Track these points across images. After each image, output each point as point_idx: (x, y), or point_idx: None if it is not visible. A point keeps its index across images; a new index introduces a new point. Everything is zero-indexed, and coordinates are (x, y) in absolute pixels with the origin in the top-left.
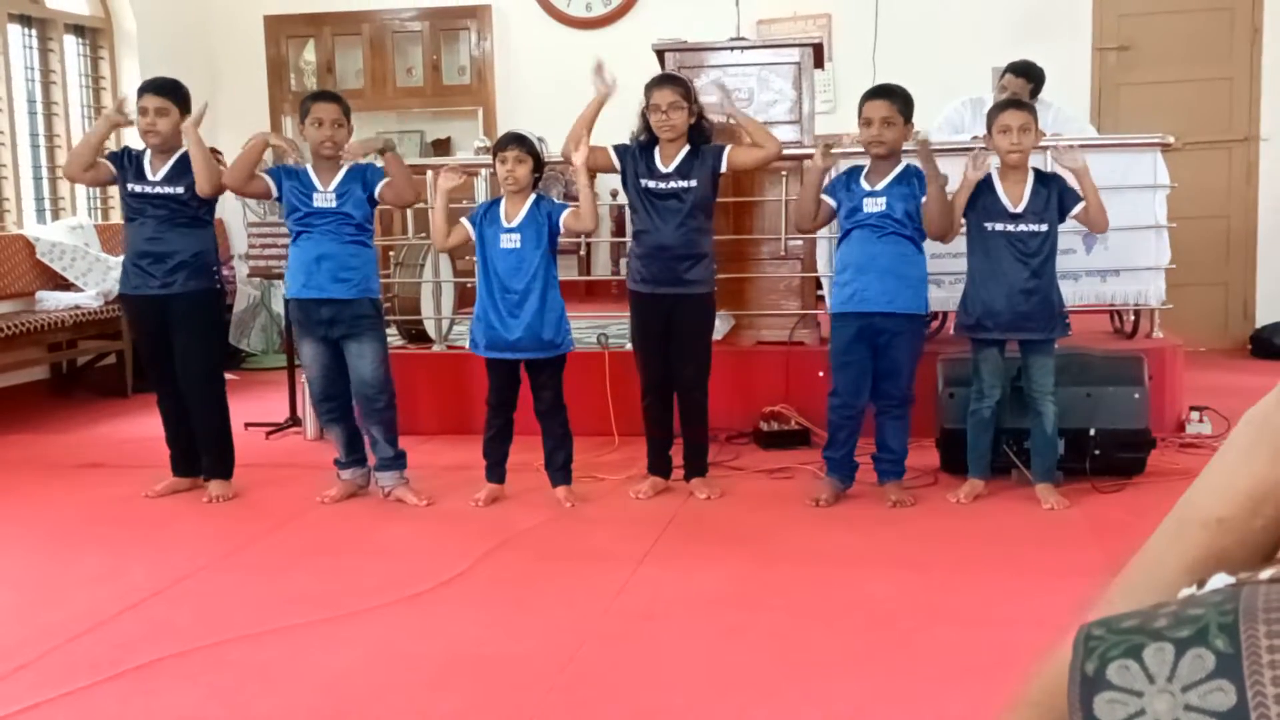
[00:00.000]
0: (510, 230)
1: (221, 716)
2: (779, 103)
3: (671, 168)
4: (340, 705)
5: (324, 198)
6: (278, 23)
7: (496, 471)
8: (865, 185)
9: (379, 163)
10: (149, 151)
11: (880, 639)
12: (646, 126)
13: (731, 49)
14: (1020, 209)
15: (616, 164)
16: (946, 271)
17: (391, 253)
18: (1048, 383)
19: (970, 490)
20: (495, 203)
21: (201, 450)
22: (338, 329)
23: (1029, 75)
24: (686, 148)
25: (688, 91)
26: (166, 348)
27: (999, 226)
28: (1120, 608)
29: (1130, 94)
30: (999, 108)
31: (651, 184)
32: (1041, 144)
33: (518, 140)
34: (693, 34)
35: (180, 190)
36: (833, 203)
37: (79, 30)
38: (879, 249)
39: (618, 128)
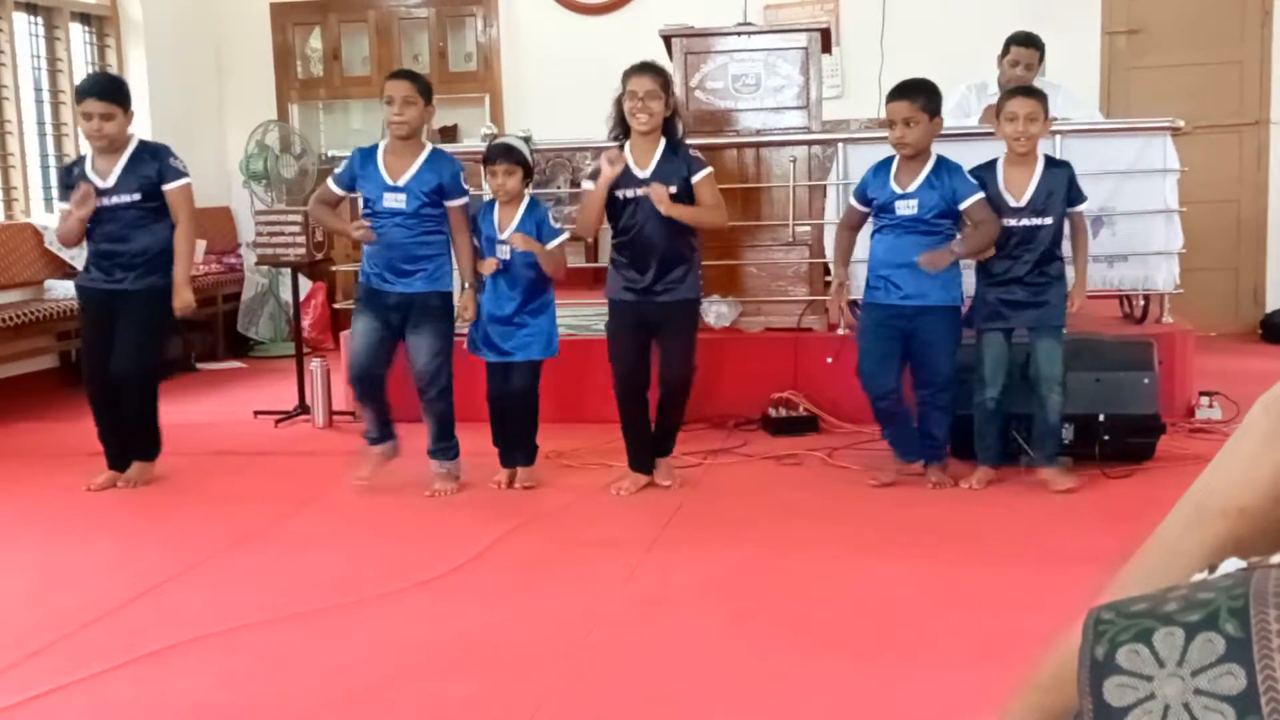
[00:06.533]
0: (503, 241)
1: (233, 702)
2: (786, 88)
3: (648, 171)
4: (353, 691)
5: (394, 198)
6: (284, 10)
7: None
8: (896, 187)
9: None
10: (92, 155)
11: (890, 624)
12: (620, 116)
13: (738, 34)
14: (1023, 203)
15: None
16: None
17: None
18: (1055, 371)
19: (981, 477)
20: (490, 207)
21: (129, 433)
22: (401, 316)
23: (1033, 43)
24: (662, 145)
25: (667, 82)
26: (109, 343)
27: (1003, 221)
28: (1134, 594)
29: (1140, 78)
30: (1008, 95)
31: (629, 192)
32: (1050, 130)
33: (505, 152)
34: (700, 19)
35: (135, 197)
36: (865, 209)
37: (85, 18)
38: (909, 245)
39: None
